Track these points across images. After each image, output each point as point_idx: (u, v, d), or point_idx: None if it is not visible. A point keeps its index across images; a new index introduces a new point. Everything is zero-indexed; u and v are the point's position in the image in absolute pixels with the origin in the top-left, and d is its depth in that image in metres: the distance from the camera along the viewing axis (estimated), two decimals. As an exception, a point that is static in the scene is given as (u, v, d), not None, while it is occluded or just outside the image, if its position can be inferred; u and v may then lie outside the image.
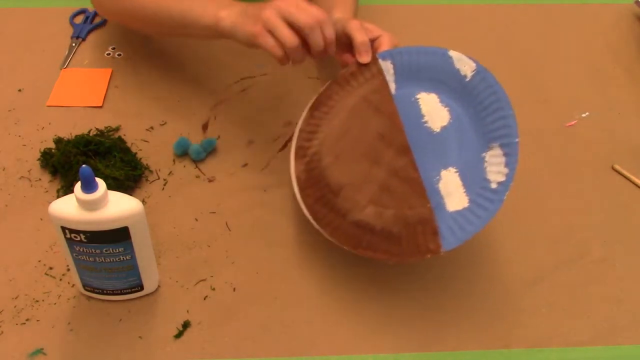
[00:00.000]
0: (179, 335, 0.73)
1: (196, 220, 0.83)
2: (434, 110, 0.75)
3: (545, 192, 0.89)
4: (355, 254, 0.72)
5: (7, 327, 0.72)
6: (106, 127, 0.91)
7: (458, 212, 0.71)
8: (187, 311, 0.75)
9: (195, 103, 0.96)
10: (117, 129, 0.91)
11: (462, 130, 0.74)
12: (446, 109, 0.75)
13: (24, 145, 0.89)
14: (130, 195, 0.71)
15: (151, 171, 0.87)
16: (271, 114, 0.94)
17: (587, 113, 1.00)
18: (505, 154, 0.71)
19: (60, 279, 0.76)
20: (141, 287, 0.74)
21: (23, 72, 0.99)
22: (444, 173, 0.72)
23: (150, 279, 0.74)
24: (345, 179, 0.74)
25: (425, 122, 0.75)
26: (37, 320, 0.73)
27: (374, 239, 0.72)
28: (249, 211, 0.84)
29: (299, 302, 0.76)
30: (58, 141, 0.87)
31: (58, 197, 0.83)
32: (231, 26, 0.79)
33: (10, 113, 0.93)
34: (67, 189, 0.83)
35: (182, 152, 0.89)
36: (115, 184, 0.82)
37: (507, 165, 0.71)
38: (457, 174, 0.72)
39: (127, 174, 0.84)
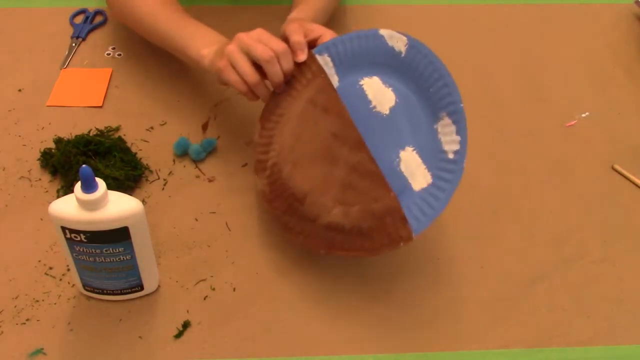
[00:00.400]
0: (179, 335, 0.73)
1: (196, 220, 0.83)
2: (379, 93, 0.75)
3: (545, 192, 0.89)
4: (331, 255, 0.73)
5: (7, 327, 0.72)
6: (106, 127, 0.91)
7: (425, 190, 0.72)
8: (187, 311, 0.75)
9: (195, 103, 0.96)
10: (117, 129, 0.91)
11: (410, 107, 0.74)
12: (390, 89, 0.75)
13: (24, 145, 0.89)
14: (130, 195, 0.71)
15: (151, 171, 0.87)
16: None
17: (587, 113, 1.00)
18: (454, 122, 0.72)
19: (60, 279, 0.76)
20: (141, 287, 0.74)
21: (23, 72, 0.99)
22: (402, 154, 0.73)
23: (150, 279, 0.74)
24: (307, 186, 0.74)
25: (374, 107, 0.74)
26: (37, 320, 0.73)
27: (347, 238, 0.72)
28: (249, 211, 0.84)
29: (299, 302, 0.76)
30: (58, 141, 0.87)
31: (58, 197, 0.83)
32: (209, 65, 0.82)
33: (10, 113, 0.93)
34: (67, 189, 0.83)
35: (182, 152, 0.89)
36: (115, 184, 0.82)
37: (458, 133, 0.71)
38: (415, 152, 0.73)
39: (127, 174, 0.84)
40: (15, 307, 0.74)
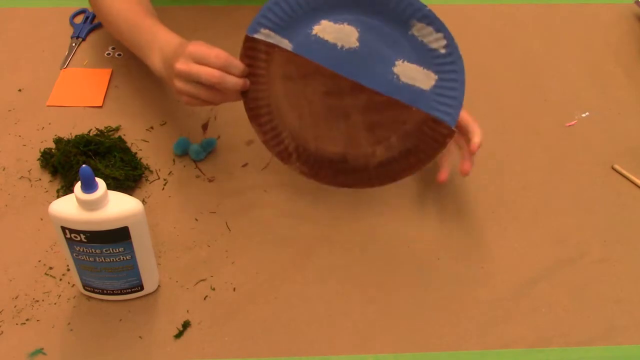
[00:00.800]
0: (179, 335, 0.73)
1: (196, 220, 0.83)
2: (336, 32, 0.74)
3: (545, 192, 0.89)
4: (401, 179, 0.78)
5: (7, 327, 0.72)
6: (106, 127, 0.91)
7: (436, 87, 0.74)
8: (187, 311, 0.75)
9: (195, 103, 0.96)
10: (117, 129, 0.91)
11: (374, 29, 0.74)
12: (344, 24, 0.74)
13: (24, 145, 0.89)
14: (130, 195, 0.71)
15: (151, 171, 0.87)
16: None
17: (587, 113, 1.00)
18: (429, 23, 0.73)
19: (60, 279, 0.76)
20: (141, 287, 0.74)
21: (23, 72, 0.99)
22: (395, 69, 0.74)
23: (150, 279, 0.74)
24: (340, 147, 0.78)
25: (342, 46, 0.74)
26: (37, 320, 0.73)
27: (401, 163, 0.77)
28: (249, 211, 0.84)
29: (299, 302, 0.76)
30: (58, 141, 0.87)
31: (58, 197, 0.83)
32: (160, 76, 0.82)
33: (10, 113, 0.93)
34: (67, 189, 0.83)
35: (182, 152, 0.89)
36: (115, 184, 0.82)
37: (438, 30, 0.73)
38: (406, 62, 0.74)
39: (127, 174, 0.84)
40: (15, 307, 0.74)
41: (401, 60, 0.74)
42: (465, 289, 0.79)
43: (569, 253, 0.83)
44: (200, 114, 0.95)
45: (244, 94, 0.79)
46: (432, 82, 0.74)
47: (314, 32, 0.75)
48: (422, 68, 0.74)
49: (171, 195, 0.85)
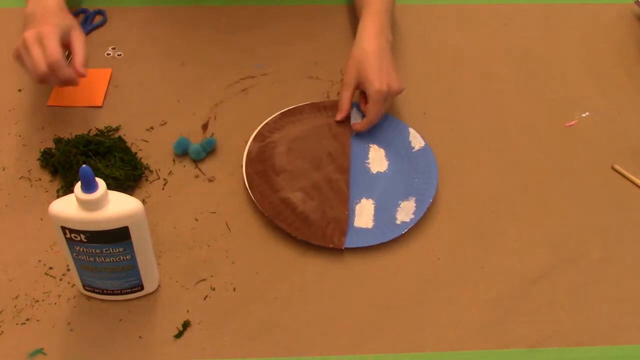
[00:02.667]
0: (179, 335, 0.73)
1: (196, 220, 0.83)
2: (377, 159, 0.91)
3: (545, 192, 0.89)
4: (272, 223, 0.82)
5: (7, 327, 0.72)
6: (106, 127, 0.91)
7: (362, 229, 0.83)
8: (187, 311, 0.75)
9: (195, 103, 0.96)
10: (117, 129, 0.91)
11: (391, 181, 0.88)
12: (387, 162, 0.90)
13: (24, 145, 0.89)
14: (130, 195, 0.71)
15: (151, 171, 0.87)
16: (271, 113, 0.93)
17: (587, 113, 1.00)
18: (417, 206, 0.84)
19: (60, 279, 0.76)
20: (141, 287, 0.74)
21: (23, 72, 0.98)
22: (364, 201, 0.86)
23: (150, 279, 0.74)
24: (288, 167, 0.88)
25: (368, 163, 0.90)
26: (37, 320, 0.73)
27: (292, 217, 0.82)
28: (249, 211, 0.84)
29: (299, 302, 0.76)
30: (58, 141, 0.87)
31: (58, 197, 0.83)
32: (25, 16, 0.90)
33: (10, 113, 0.93)
34: (67, 189, 0.83)
35: (182, 152, 0.89)
36: (115, 184, 0.82)
37: (414, 213, 0.84)
38: (373, 205, 0.85)
39: (127, 174, 0.84)
40: (15, 307, 0.74)
41: (372, 202, 0.86)
42: (465, 289, 0.79)
43: (569, 253, 0.83)
44: (201, 114, 0.95)
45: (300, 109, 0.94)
46: (363, 226, 0.83)
47: (370, 145, 0.93)
48: (372, 218, 0.85)
49: (171, 195, 0.85)
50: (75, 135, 0.87)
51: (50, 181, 0.85)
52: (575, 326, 0.76)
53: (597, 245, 0.84)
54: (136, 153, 0.88)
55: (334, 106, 0.94)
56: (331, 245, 0.79)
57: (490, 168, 0.91)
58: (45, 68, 0.82)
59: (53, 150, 0.87)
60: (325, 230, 0.81)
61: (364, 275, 0.79)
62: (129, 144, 0.89)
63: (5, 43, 1.03)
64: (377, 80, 0.88)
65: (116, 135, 0.90)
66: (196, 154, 0.88)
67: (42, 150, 0.87)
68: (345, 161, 0.89)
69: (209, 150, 0.89)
